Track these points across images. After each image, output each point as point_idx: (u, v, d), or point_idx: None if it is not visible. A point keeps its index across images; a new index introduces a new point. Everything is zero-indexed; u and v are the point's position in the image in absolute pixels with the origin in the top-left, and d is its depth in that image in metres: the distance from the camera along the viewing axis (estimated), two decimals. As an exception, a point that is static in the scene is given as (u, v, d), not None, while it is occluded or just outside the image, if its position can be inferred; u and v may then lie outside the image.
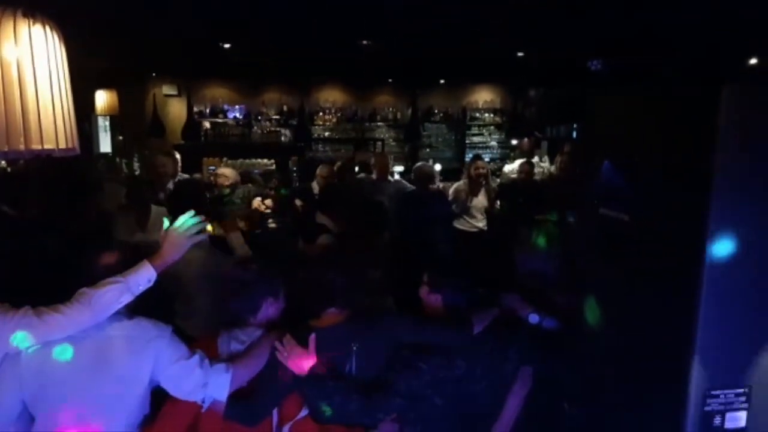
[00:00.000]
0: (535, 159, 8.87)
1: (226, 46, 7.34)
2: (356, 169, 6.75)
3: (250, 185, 6.12)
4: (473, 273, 2.51)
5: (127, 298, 1.92)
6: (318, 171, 6.24)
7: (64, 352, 1.90)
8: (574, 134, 9.14)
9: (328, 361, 2.15)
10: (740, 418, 1.56)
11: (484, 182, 6.15)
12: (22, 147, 1.88)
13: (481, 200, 6.06)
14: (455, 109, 11.81)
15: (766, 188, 1.49)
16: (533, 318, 2.39)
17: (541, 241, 2.69)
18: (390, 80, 11.34)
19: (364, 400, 2.10)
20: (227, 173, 5.85)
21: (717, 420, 1.56)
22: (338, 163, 6.84)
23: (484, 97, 11.92)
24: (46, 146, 1.93)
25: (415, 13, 5.32)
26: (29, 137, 1.89)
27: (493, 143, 11.82)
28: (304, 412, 2.22)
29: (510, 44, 7.27)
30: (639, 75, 7.84)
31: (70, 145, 2.02)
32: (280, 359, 2.10)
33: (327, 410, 2.08)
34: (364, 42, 7.03)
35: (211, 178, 5.84)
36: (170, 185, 5.47)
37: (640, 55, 7.30)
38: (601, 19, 5.51)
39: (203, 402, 2.09)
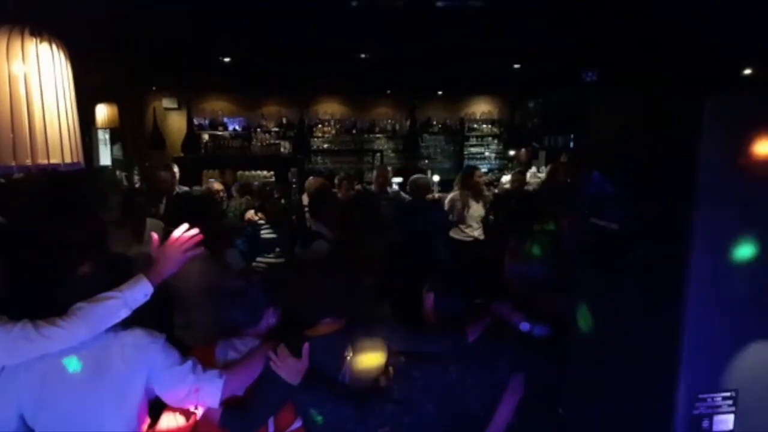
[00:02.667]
0: (533, 169, 8.94)
1: (226, 59, 7.43)
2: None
3: (247, 197, 6.16)
4: (468, 281, 2.55)
5: (124, 313, 1.93)
6: (307, 184, 6.28)
7: (62, 366, 1.91)
8: (572, 144, 9.21)
9: (322, 370, 2.16)
10: (727, 421, 1.60)
11: (482, 191, 6.28)
12: (28, 161, 1.92)
13: (477, 210, 6.13)
14: (453, 120, 11.90)
15: (750, 196, 1.53)
16: (524, 326, 2.42)
17: (536, 250, 2.73)
18: (388, 92, 11.44)
19: (356, 407, 2.12)
20: (217, 186, 5.88)
21: (705, 423, 1.60)
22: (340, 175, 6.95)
23: (482, 108, 12.01)
24: (52, 161, 1.97)
25: (412, 25, 5.39)
26: (36, 152, 1.93)
27: (491, 154, 11.90)
28: (298, 423, 2.23)
29: (506, 55, 7.35)
30: (633, 84, 7.92)
31: (75, 160, 2.07)
32: (274, 369, 2.11)
33: (319, 418, 2.10)
34: (363, 55, 7.12)
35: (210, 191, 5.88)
36: (164, 200, 5.53)
37: (634, 65, 7.38)
38: (596, 29, 5.59)
39: (196, 409, 2.09)
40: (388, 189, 6.51)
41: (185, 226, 2.11)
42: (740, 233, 1.54)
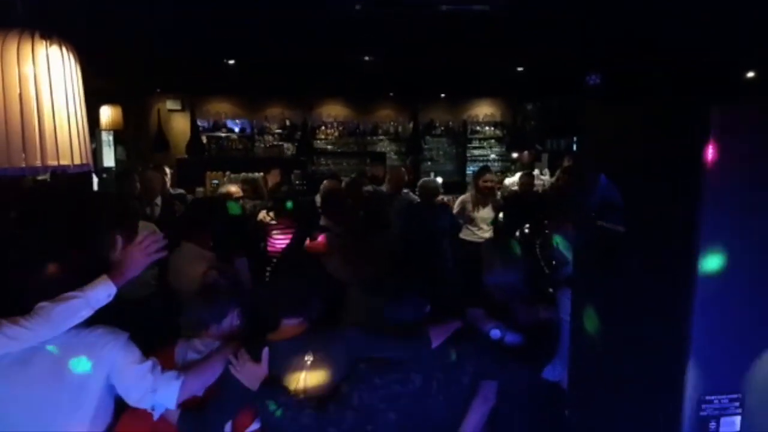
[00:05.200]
0: (536, 172, 8.95)
1: (230, 62, 7.44)
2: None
3: (258, 200, 6.18)
4: (425, 287, 2.47)
5: (86, 313, 1.95)
6: (322, 186, 6.30)
7: (23, 364, 1.92)
8: (575, 147, 9.22)
9: (281, 374, 2.15)
10: (735, 422, 1.61)
11: (490, 194, 6.25)
12: (38, 163, 1.93)
13: (487, 212, 6.13)
14: (456, 123, 11.93)
15: (755, 199, 1.54)
16: (495, 333, 2.40)
17: (510, 256, 2.68)
18: (391, 94, 11.46)
19: (316, 413, 2.10)
20: (232, 190, 5.87)
21: (712, 425, 1.60)
22: (349, 178, 6.97)
23: (484, 110, 12.03)
24: (62, 162, 1.98)
25: (415, 28, 5.41)
26: (45, 154, 1.94)
27: (494, 156, 11.92)
28: (256, 425, 2.22)
29: (509, 58, 7.37)
30: (637, 88, 7.93)
31: (84, 161, 2.08)
32: (233, 373, 2.11)
33: (278, 412, 2.08)
34: (366, 58, 7.13)
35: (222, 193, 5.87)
36: (158, 201, 5.50)
37: (638, 69, 7.39)
38: (600, 32, 5.60)
39: (153, 410, 2.09)
40: (402, 191, 6.45)
41: (150, 228, 2.12)
42: (747, 235, 1.54)
